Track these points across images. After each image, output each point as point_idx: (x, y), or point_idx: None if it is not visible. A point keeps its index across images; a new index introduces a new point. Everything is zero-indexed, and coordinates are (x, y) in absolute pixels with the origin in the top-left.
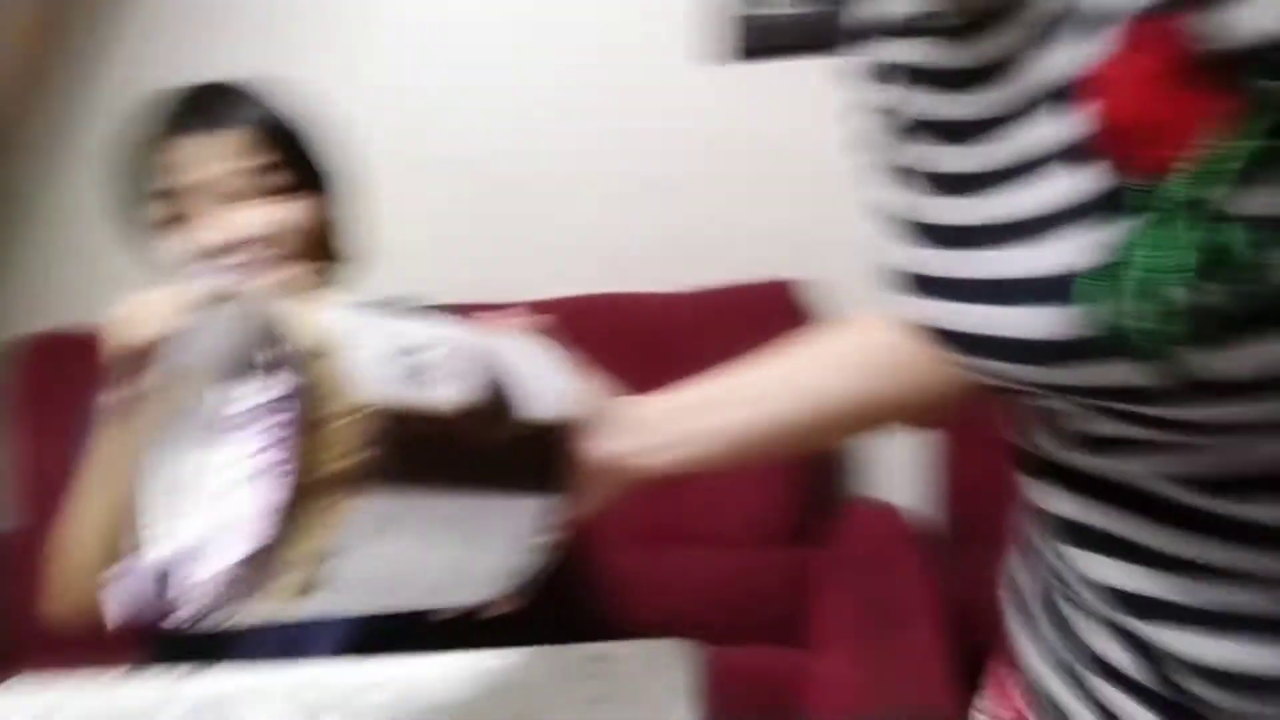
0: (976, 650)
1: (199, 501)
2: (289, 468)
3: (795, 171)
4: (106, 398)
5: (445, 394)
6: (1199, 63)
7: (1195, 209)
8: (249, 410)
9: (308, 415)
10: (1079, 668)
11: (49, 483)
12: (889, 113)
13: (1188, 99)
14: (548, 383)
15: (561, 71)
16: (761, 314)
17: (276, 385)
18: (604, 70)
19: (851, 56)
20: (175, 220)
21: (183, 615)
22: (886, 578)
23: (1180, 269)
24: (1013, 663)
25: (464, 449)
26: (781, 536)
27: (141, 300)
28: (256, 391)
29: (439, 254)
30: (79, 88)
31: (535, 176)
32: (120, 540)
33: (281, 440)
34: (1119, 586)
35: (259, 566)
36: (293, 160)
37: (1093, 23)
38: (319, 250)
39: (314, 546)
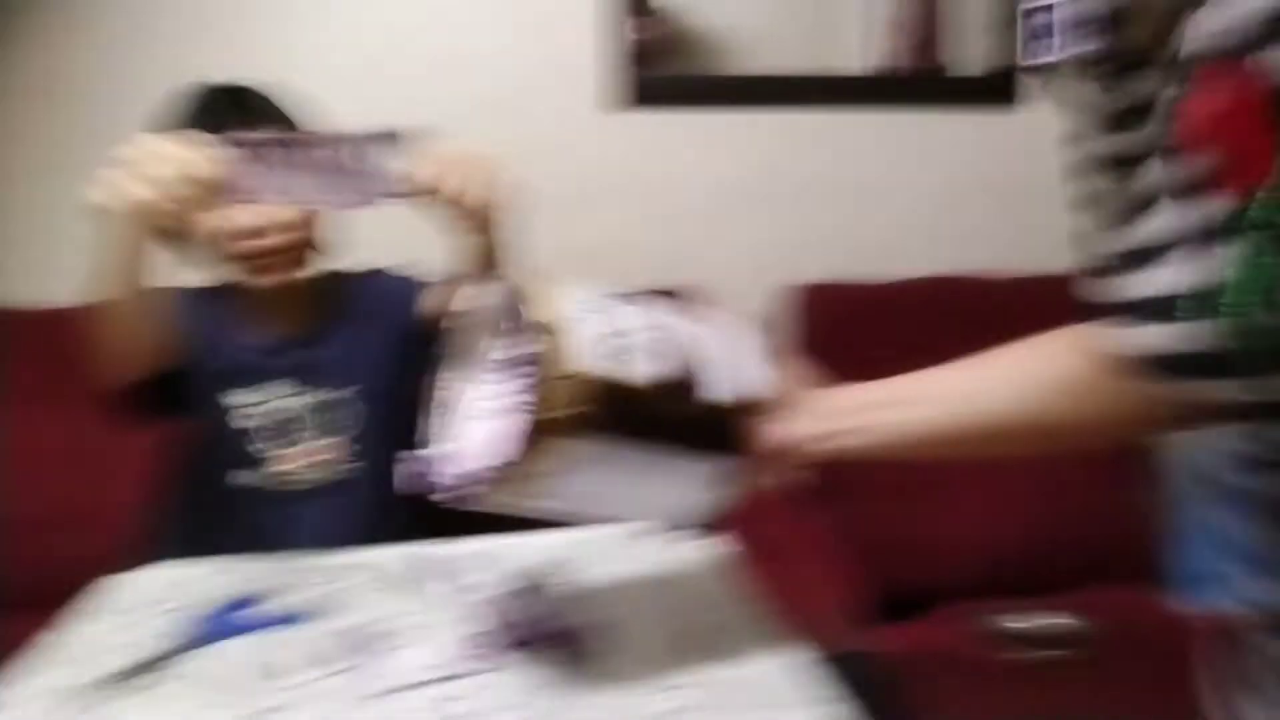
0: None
1: (466, 420)
2: (527, 409)
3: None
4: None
5: (643, 370)
6: (1269, 98)
7: (1275, 231)
8: (504, 360)
9: (541, 374)
10: None
11: (38, 454)
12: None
13: (1261, 131)
14: (736, 368)
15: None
16: None
17: (521, 347)
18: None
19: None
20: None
21: (447, 495)
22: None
23: (1265, 289)
24: None
25: (655, 415)
26: None
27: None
28: (509, 348)
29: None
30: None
31: None
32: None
33: (523, 388)
34: None
35: (501, 472)
36: None
37: (1185, 66)
38: (308, 242)
39: (539, 467)
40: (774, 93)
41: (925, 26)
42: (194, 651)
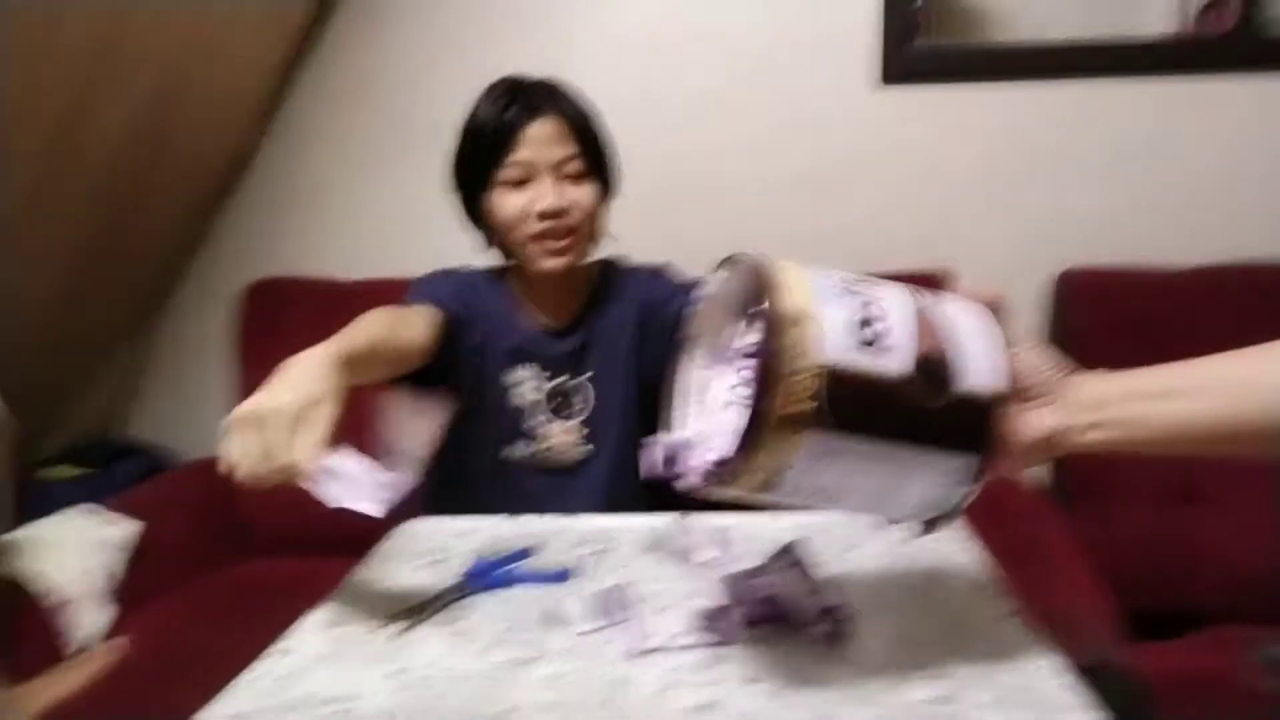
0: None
1: (701, 407)
2: (757, 403)
3: (945, 178)
4: None
5: (891, 363)
6: None
7: None
8: (739, 349)
9: (779, 367)
10: None
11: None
12: None
13: None
14: (989, 357)
15: (742, 81)
16: None
17: (759, 335)
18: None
19: None
20: (517, 184)
21: (681, 482)
22: (1022, 529)
23: None
24: None
25: (902, 409)
26: None
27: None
28: (746, 336)
29: (634, 235)
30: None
31: (718, 170)
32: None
33: (756, 380)
34: None
35: (729, 467)
36: (589, 151)
37: None
38: (592, 231)
39: (770, 462)
40: (1060, 63)
41: None
42: (483, 594)
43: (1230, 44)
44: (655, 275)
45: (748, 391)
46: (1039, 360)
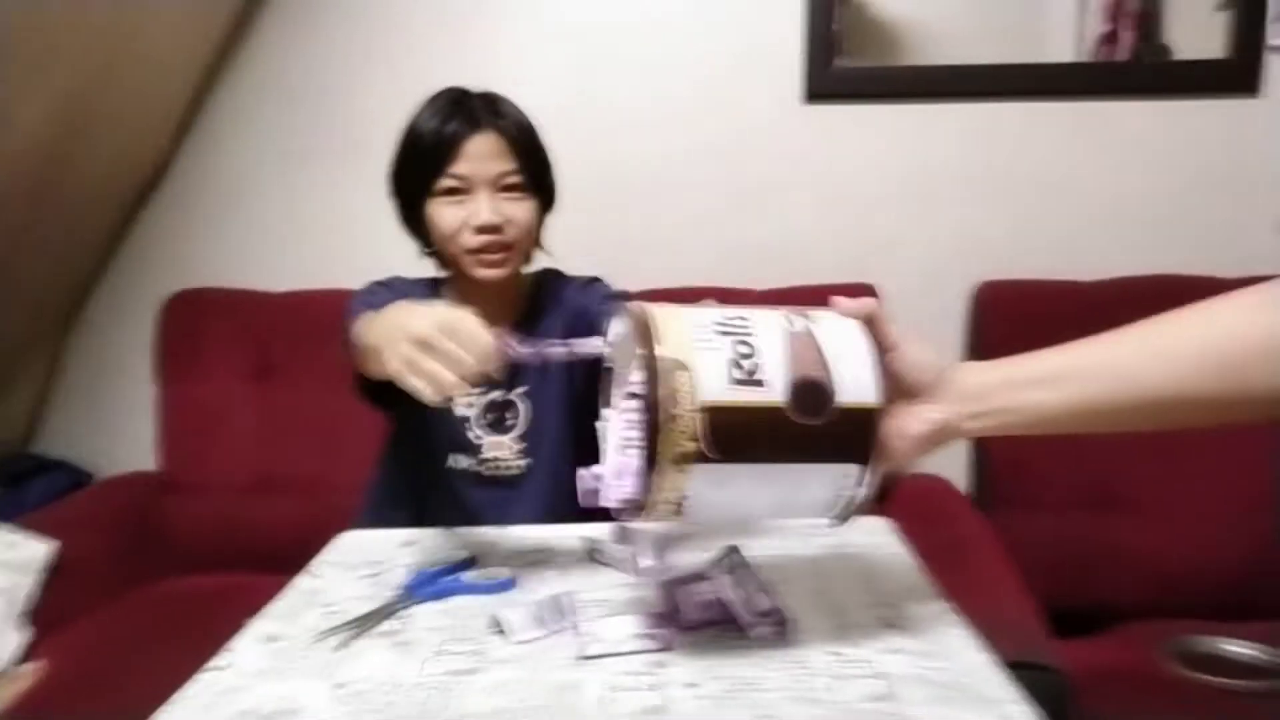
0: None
1: (612, 443)
2: (647, 443)
3: (866, 194)
4: None
5: (767, 394)
6: None
7: None
8: (632, 390)
9: (659, 416)
10: None
11: (189, 425)
12: None
13: None
14: (862, 370)
15: (671, 93)
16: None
17: (645, 379)
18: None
19: None
20: (454, 195)
21: (613, 511)
22: (950, 531)
23: None
24: None
25: (783, 433)
26: None
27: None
28: (636, 378)
29: (564, 247)
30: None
31: (646, 183)
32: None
33: (642, 425)
34: None
35: (634, 503)
36: (528, 166)
37: None
38: (532, 244)
39: (669, 494)
40: (974, 84)
41: (1147, 4)
42: (424, 605)
43: (1130, 70)
44: (586, 286)
45: (637, 434)
46: (921, 356)
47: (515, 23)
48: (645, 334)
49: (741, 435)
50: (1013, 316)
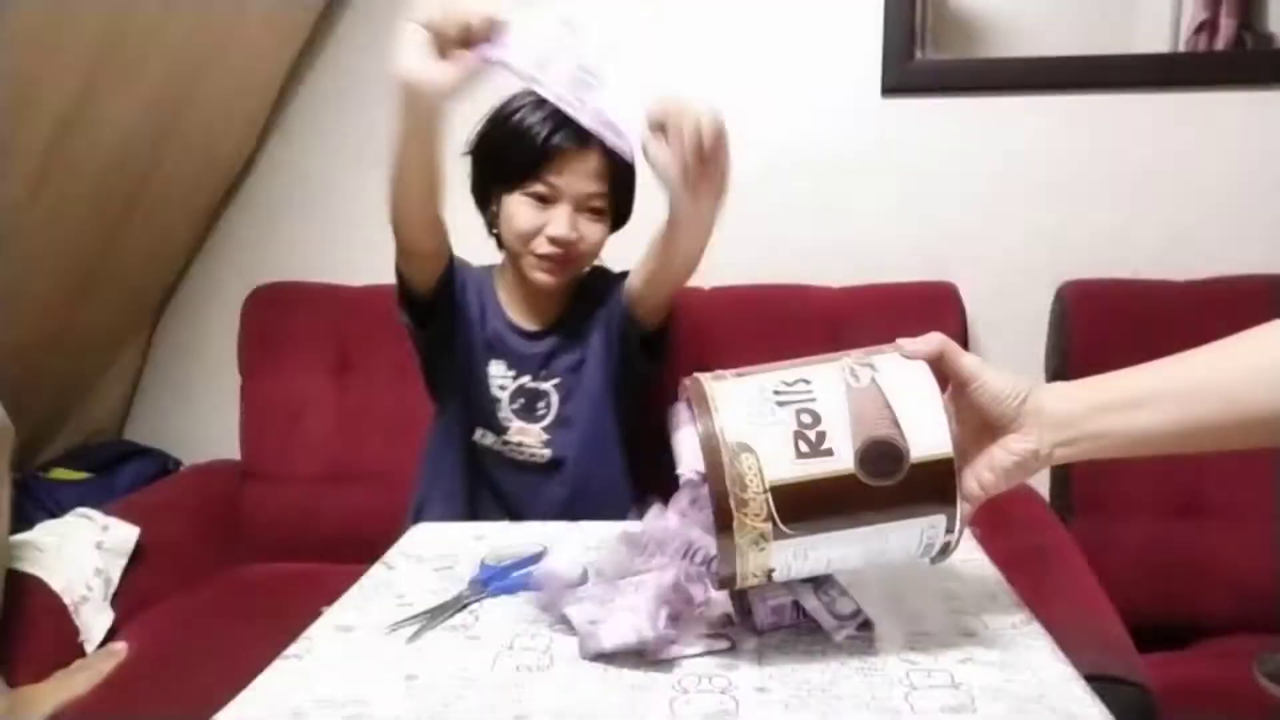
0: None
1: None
2: (720, 533)
3: (946, 191)
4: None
5: (835, 464)
6: None
7: None
8: (691, 466)
9: (728, 503)
10: None
11: (268, 415)
12: None
13: None
14: (934, 415)
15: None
16: (926, 311)
17: (709, 464)
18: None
19: None
20: (539, 200)
21: (709, 580)
22: (1030, 539)
23: None
24: None
25: (858, 497)
26: None
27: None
28: (700, 470)
29: (640, 244)
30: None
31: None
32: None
33: (714, 512)
34: None
35: (725, 582)
36: (615, 192)
37: None
38: (589, 262)
39: (755, 570)
40: (1058, 77)
41: None
42: (494, 599)
43: (1227, 59)
44: (618, 281)
45: (706, 515)
46: (1002, 385)
47: (591, 15)
48: (705, 412)
49: (815, 507)
50: (1099, 317)
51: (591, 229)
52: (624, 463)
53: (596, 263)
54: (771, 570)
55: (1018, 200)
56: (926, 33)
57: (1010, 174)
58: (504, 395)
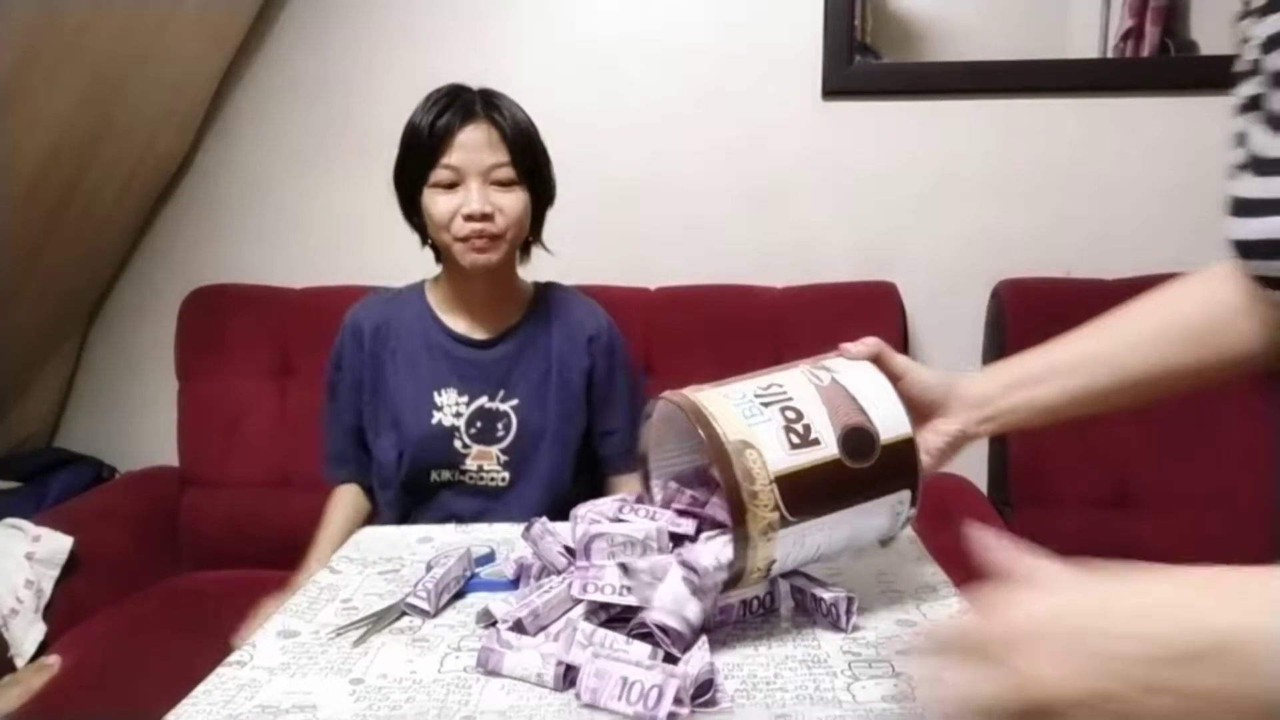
0: None
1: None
2: (734, 528)
3: (886, 192)
4: None
5: (823, 451)
6: None
7: None
8: (698, 478)
9: (740, 496)
10: None
11: (207, 420)
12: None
13: None
14: (889, 405)
15: (689, 94)
16: (866, 310)
17: (718, 463)
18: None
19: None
20: (448, 187)
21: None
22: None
23: None
24: None
25: (845, 481)
26: None
27: None
28: (700, 468)
29: (585, 246)
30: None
31: (666, 183)
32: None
33: (728, 508)
34: None
35: (732, 584)
36: (520, 159)
37: None
38: (521, 236)
39: (761, 564)
40: (994, 80)
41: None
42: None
43: (1152, 66)
44: (586, 308)
45: (718, 515)
46: (929, 377)
47: (531, 21)
48: (704, 421)
49: (812, 493)
50: (1033, 314)
51: (506, 199)
52: (586, 477)
53: (560, 262)
54: (773, 562)
55: (955, 201)
56: (865, 36)
57: (948, 175)
58: (460, 422)
